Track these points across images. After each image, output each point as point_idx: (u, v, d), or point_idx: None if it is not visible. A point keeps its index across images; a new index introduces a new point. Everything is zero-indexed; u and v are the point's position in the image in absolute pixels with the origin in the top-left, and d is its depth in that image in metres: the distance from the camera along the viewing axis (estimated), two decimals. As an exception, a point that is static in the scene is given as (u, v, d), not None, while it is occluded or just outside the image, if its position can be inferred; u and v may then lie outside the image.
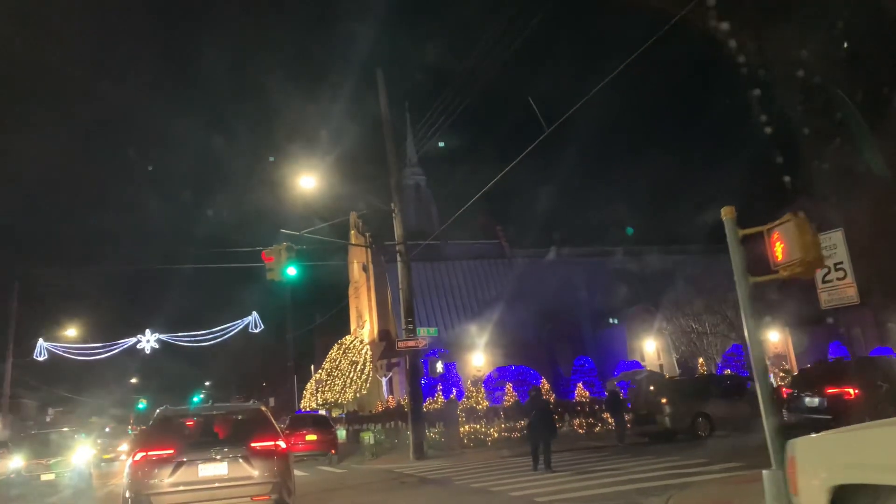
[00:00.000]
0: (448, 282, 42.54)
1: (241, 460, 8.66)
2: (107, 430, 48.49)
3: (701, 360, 29.76)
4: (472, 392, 24.04)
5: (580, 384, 25.25)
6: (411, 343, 20.07)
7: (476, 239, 44.50)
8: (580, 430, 23.59)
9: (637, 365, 36.62)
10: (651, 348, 40.22)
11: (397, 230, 20.93)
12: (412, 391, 20.31)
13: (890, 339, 38.31)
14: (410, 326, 20.32)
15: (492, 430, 22.79)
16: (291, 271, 17.33)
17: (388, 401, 32.11)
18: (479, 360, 37.76)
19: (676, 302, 36.94)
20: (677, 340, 37.68)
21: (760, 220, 7.40)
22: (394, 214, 20.95)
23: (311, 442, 22.70)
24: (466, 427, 22.95)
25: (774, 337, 39.15)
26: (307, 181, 18.70)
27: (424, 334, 21.01)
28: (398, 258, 20.88)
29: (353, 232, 46.97)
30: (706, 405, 19.39)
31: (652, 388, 20.85)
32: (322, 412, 38.92)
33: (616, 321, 41.92)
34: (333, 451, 22.71)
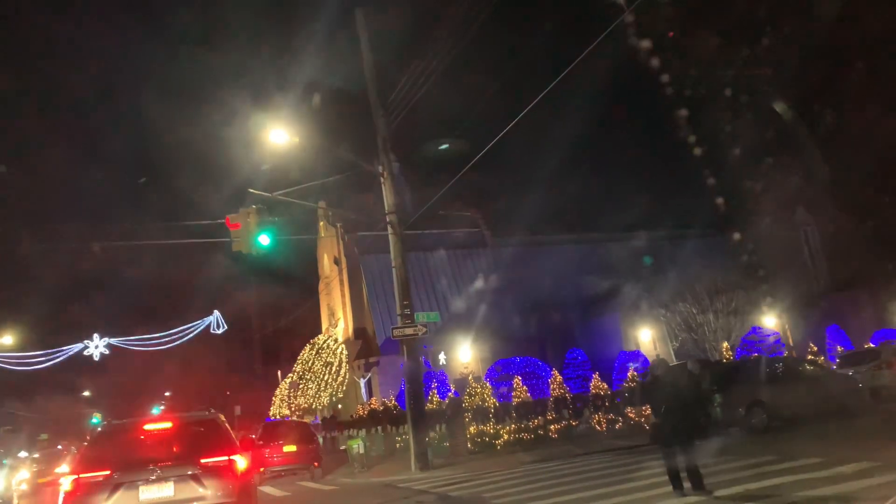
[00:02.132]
0: (426, 273, 39.35)
1: (189, 479, 7.70)
2: (59, 447, 44.58)
3: (726, 343, 26.91)
4: (476, 388, 20.74)
5: (596, 374, 22.16)
6: (409, 331, 16.67)
7: (455, 227, 41.45)
8: (599, 427, 20.48)
9: (639, 354, 33.78)
10: (647, 337, 37.65)
11: (387, 198, 17.58)
12: (412, 389, 16.92)
13: (890, 321, 36.49)
14: (407, 311, 16.91)
15: (502, 431, 19.52)
16: (264, 240, 13.83)
17: (370, 403, 28.65)
18: (465, 355, 34.73)
19: (675, 287, 34.73)
20: (677, 327, 35.34)
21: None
22: (382, 179, 17.58)
23: (289, 454, 19.19)
24: (472, 429, 19.66)
25: (771, 322, 37.19)
26: (279, 135, 15.19)
27: (423, 320, 17.60)
28: (389, 230, 17.48)
29: (322, 224, 43.47)
30: (761, 392, 16.42)
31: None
32: (294, 419, 35.38)
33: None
34: (316, 465, 19.25)
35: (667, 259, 38.40)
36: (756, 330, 28.89)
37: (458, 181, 18.26)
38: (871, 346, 25.59)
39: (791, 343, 36.04)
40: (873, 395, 18.15)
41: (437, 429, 19.62)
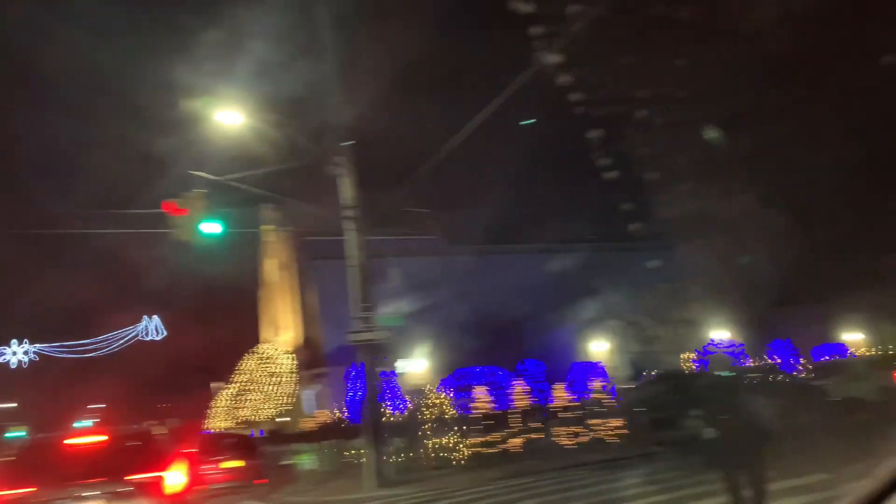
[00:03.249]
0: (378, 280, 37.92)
1: (120, 497, 7.39)
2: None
3: (688, 353, 26.36)
4: (435, 399, 19.45)
5: (562, 385, 21.14)
6: (368, 335, 15.32)
7: (407, 234, 40.30)
8: (564, 441, 19.39)
9: (596, 366, 33.07)
10: (600, 349, 37.19)
11: (345, 191, 16.17)
12: (370, 398, 15.53)
13: (834, 336, 36.82)
14: (366, 314, 15.56)
15: (462, 446, 18.25)
16: (213, 227, 12.31)
17: (318, 416, 27.11)
18: (416, 365, 33.53)
19: (627, 299, 34.66)
20: (631, 340, 35.11)
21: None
22: (340, 172, 16.18)
23: (231, 470, 17.51)
24: (430, 443, 18.33)
25: (719, 335, 37.26)
26: (231, 116, 13.69)
27: (385, 323, 16.22)
28: (349, 224, 16.07)
29: (267, 228, 41.70)
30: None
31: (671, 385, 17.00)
32: (233, 431, 33.42)
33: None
34: (262, 482, 17.62)
35: (618, 272, 38.10)
36: (714, 342, 28.48)
37: (413, 187, 17.23)
38: (838, 357, 25.38)
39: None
40: (846, 406, 17.67)
41: (394, 443, 18.26)
